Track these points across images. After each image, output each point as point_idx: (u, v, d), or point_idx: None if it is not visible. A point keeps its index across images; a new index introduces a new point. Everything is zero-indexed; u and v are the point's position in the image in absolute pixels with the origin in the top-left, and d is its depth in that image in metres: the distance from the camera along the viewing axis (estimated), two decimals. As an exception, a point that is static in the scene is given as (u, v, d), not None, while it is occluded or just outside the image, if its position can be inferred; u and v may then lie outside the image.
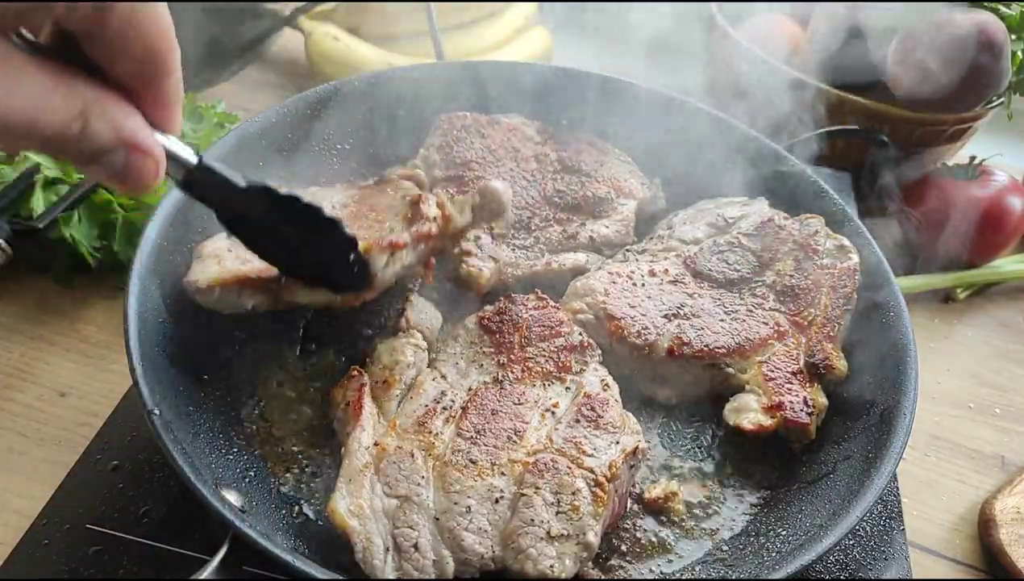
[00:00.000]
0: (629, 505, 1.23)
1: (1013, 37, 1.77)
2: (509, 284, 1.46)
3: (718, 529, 1.23)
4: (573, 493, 1.09)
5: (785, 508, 1.23)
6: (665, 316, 1.36)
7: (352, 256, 1.10)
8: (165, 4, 0.75)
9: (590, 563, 1.11)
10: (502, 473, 1.11)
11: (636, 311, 1.37)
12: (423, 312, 1.36)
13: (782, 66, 1.94)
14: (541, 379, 1.25)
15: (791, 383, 1.28)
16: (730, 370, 1.32)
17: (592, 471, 1.12)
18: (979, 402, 1.66)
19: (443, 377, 1.26)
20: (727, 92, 1.87)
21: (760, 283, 1.42)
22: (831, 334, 1.34)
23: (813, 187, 1.60)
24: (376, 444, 1.14)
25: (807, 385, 1.29)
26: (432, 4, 2.04)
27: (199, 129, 1.76)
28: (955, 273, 1.86)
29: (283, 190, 0.96)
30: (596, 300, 1.38)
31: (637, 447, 1.17)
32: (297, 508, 1.20)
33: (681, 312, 1.37)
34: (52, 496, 1.22)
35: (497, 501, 1.08)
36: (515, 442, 1.15)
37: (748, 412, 1.25)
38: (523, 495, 1.08)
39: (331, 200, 1.42)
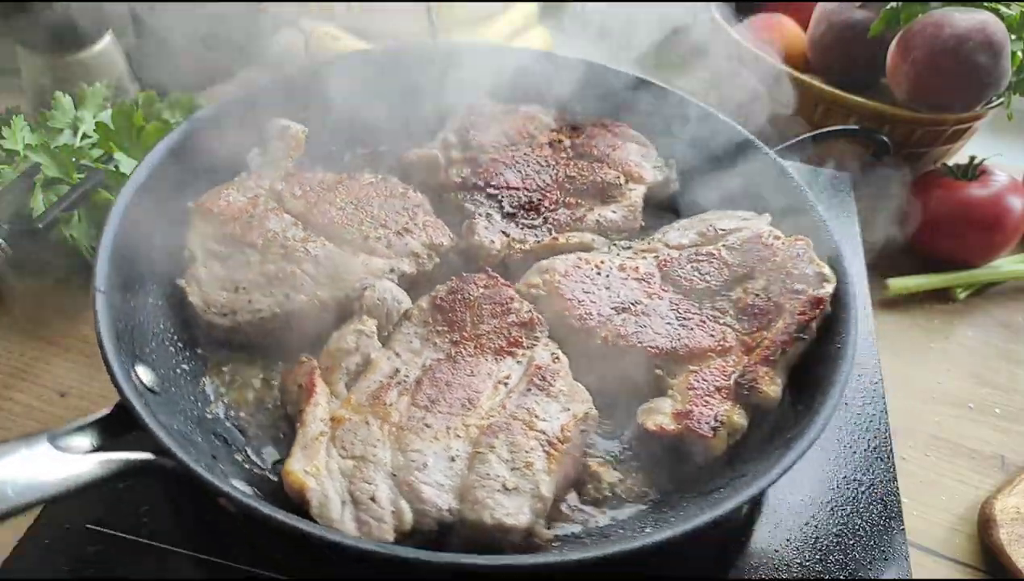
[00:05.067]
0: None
1: (1013, 37, 1.76)
2: (516, 259, 1.50)
3: (597, 517, 1.20)
4: (527, 451, 1.13)
5: (670, 512, 1.19)
6: (614, 308, 1.37)
7: None
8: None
9: (543, 522, 1.12)
10: (458, 435, 1.15)
11: (587, 298, 1.38)
12: (384, 294, 1.36)
13: (781, 65, 1.95)
14: (493, 354, 1.28)
15: (711, 396, 1.23)
16: (659, 371, 1.30)
17: (544, 433, 1.15)
18: (979, 402, 1.65)
19: (397, 355, 1.28)
20: (727, 92, 1.86)
21: (725, 297, 1.39)
22: (771, 358, 1.27)
23: (775, 169, 1.59)
24: (332, 418, 1.17)
25: (727, 403, 1.23)
26: (432, 4, 2.04)
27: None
28: (955, 273, 1.85)
29: None
30: (552, 278, 1.41)
31: (587, 413, 1.21)
32: (211, 408, 1.27)
33: (632, 308, 1.37)
34: (52, 496, 1.22)
35: (453, 459, 1.12)
36: (469, 409, 1.19)
37: (657, 414, 1.23)
38: (479, 453, 1.12)
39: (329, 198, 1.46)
